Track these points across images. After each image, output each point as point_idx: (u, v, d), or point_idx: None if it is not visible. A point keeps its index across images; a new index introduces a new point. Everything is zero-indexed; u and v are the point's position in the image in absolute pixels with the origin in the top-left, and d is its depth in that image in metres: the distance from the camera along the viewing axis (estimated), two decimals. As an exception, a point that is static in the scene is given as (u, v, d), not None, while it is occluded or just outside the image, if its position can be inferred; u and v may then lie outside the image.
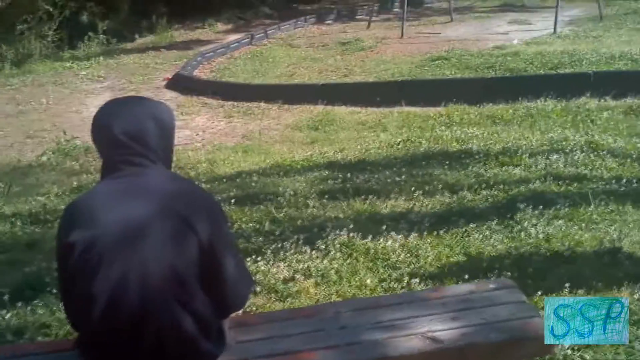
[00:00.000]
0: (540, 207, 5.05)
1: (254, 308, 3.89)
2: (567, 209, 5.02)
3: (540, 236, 4.64)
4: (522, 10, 18.50)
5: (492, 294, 3.16)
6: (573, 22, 15.44)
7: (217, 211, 2.39)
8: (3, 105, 11.22)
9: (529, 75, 9.96)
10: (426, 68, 11.60)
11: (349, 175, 6.25)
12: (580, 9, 17.19)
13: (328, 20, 20.04)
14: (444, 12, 18.33)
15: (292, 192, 5.83)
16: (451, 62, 11.68)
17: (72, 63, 14.60)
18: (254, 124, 9.38)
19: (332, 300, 3.93)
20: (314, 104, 9.76)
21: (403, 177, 6.06)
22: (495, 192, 5.53)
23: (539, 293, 3.89)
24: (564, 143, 6.57)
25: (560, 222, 4.83)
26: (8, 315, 3.91)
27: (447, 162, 6.36)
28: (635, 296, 3.74)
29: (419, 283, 4.06)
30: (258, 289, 4.04)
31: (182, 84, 12.18)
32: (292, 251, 4.60)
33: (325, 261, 4.42)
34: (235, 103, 10.55)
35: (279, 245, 4.72)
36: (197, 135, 9.13)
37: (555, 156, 6.19)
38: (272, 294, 4.05)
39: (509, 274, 4.14)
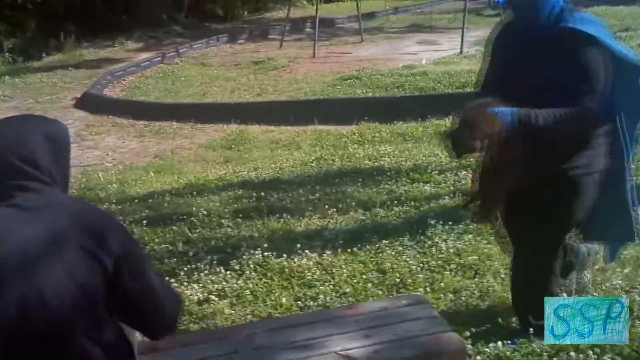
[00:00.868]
0: (450, 222, 5.17)
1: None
2: (475, 224, 5.15)
3: (451, 251, 4.75)
4: (430, 31, 18.98)
5: (405, 310, 3.21)
6: (478, 42, 15.87)
7: (123, 233, 2.31)
8: None
9: (438, 94, 10.20)
10: (338, 87, 11.72)
11: (263, 194, 6.25)
12: (485, 30, 17.65)
13: (240, 39, 20.05)
14: (355, 33, 18.62)
15: (205, 212, 5.79)
16: (362, 81, 11.84)
17: (-24, 82, 14.14)
18: (166, 143, 9.26)
19: (248, 320, 3.91)
20: (227, 123, 9.71)
21: (317, 195, 6.11)
22: (407, 208, 5.63)
23: (451, 307, 3.99)
24: (471, 160, 6.73)
25: (470, 236, 4.96)
26: None
27: (360, 180, 6.44)
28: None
29: (334, 301, 4.10)
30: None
31: (91, 103, 11.92)
32: (206, 272, 4.57)
33: (240, 281, 4.41)
34: (147, 122, 10.39)
35: (193, 266, 4.68)
36: (107, 155, 8.95)
37: (463, 172, 6.35)
38: (187, 317, 4.00)
39: (421, 289, 4.23)
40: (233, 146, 8.54)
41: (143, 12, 21.17)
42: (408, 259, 4.67)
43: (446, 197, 5.79)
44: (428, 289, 4.25)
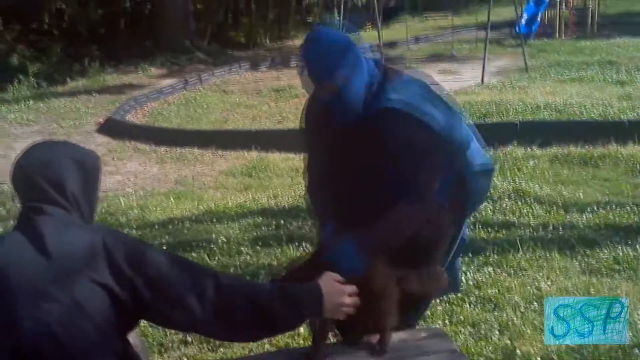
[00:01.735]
0: (470, 254, 5.13)
1: (184, 359, 3.83)
2: (496, 256, 5.12)
3: (471, 283, 4.71)
4: (451, 60, 19.02)
5: (424, 343, 3.18)
6: (500, 72, 15.93)
7: (135, 250, 2.27)
8: None
9: (459, 124, 10.20)
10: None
11: (282, 221, 6.26)
12: (506, 60, 17.77)
13: (262, 67, 20.21)
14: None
15: (225, 239, 5.79)
16: (383, 109, 11.85)
17: (0, 106, 14.28)
18: (187, 169, 9.32)
19: (265, 349, 3.89)
20: (247, 150, 9.77)
21: (336, 224, 6.09)
22: (427, 239, 5.59)
23: (470, 341, 3.95)
24: (492, 191, 6.72)
25: (489, 268, 4.92)
26: None
27: (379, 210, 6.41)
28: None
29: (352, 331, 4.07)
30: (189, 339, 3.98)
31: (114, 128, 12.04)
32: (224, 299, 4.55)
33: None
34: (168, 148, 10.47)
35: (212, 294, 4.67)
36: (128, 180, 9.01)
37: (483, 203, 6.32)
38: (204, 344, 4.00)
39: (439, 322, 4.20)
40: (253, 173, 8.57)
41: (166, 39, 21.41)
42: (427, 291, 4.63)
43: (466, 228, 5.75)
44: (447, 321, 4.22)
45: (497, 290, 4.56)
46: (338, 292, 2.43)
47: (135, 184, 8.78)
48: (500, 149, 8.45)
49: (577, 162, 7.80)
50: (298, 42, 25.96)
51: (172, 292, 2.22)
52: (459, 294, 4.54)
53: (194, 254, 5.53)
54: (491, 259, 5.08)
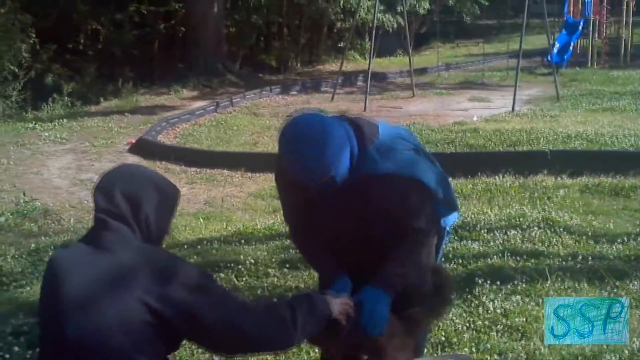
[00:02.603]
0: (498, 282, 5.11)
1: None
2: (524, 285, 5.09)
3: (498, 311, 4.69)
4: (482, 88, 19.02)
5: (450, 369, 3.19)
6: (531, 101, 15.89)
7: (188, 278, 2.32)
8: (-38, 164, 11.10)
9: (488, 151, 10.18)
10: (388, 141, 11.76)
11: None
12: (538, 89, 17.74)
13: (293, 91, 20.35)
14: (406, 87, 18.77)
15: (253, 261, 5.83)
16: (413, 136, 11.86)
17: (35, 124, 14.51)
18: (216, 190, 9.39)
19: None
20: (277, 173, 9.84)
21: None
22: (455, 266, 5.60)
23: (497, 369, 3.94)
24: (521, 219, 6.70)
25: (517, 297, 4.89)
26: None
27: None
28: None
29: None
30: (215, 359, 4.00)
31: (145, 148, 12.17)
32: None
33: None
34: (198, 169, 10.57)
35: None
36: (158, 200, 9.09)
37: (512, 232, 6.30)
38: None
39: (466, 349, 4.18)
40: (282, 196, 8.63)
41: (199, 61, 21.66)
42: (454, 318, 4.62)
43: (494, 256, 5.73)
44: (473, 349, 4.20)
45: (524, 319, 4.53)
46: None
47: (165, 204, 8.85)
48: (530, 178, 8.43)
49: (607, 193, 7.75)
50: (329, 66, 26.20)
51: (211, 331, 2.29)
52: (486, 323, 4.53)
53: (222, 275, 5.56)
54: (519, 288, 5.05)
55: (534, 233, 6.28)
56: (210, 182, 9.89)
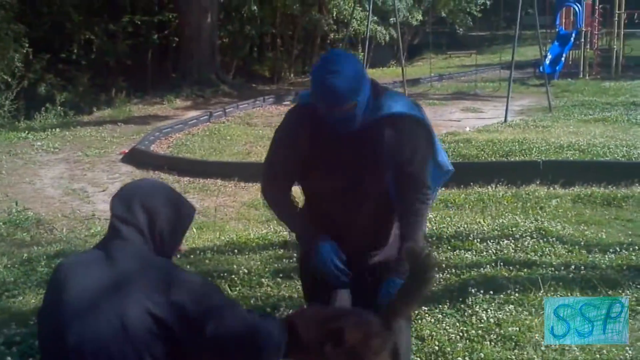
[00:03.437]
0: (491, 291, 5.12)
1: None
2: (517, 294, 5.10)
3: (492, 320, 4.70)
4: (474, 98, 19.09)
5: (444, 378, 3.18)
6: (523, 112, 15.96)
7: (191, 287, 2.35)
8: (-46, 174, 11.06)
9: (481, 161, 10.21)
10: (381, 151, 11.79)
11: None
12: (530, 100, 17.82)
13: (286, 101, 20.38)
14: (399, 98, 18.80)
15: (246, 270, 5.82)
16: (405, 146, 11.88)
17: (27, 134, 14.50)
18: (209, 200, 9.39)
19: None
20: (270, 183, 9.81)
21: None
22: (448, 275, 5.60)
23: (490, 378, 3.94)
24: (514, 229, 6.71)
25: (510, 307, 4.90)
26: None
27: (400, 245, 6.42)
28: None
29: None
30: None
31: (138, 158, 12.17)
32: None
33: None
34: (191, 179, 10.56)
35: (232, 324, 4.68)
36: (151, 210, 9.08)
37: (505, 241, 6.31)
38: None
39: (460, 359, 4.18)
40: (275, 206, 8.62)
41: (192, 72, 21.70)
42: (447, 327, 4.63)
43: (487, 265, 5.74)
44: (467, 358, 4.20)
45: (517, 329, 4.55)
46: None
47: (158, 214, 8.83)
48: (522, 188, 8.45)
49: (600, 203, 7.77)
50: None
51: (220, 344, 2.32)
52: (480, 332, 4.54)
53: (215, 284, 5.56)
54: (512, 297, 5.06)
55: (526, 243, 6.29)
56: (204, 191, 9.88)
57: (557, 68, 22.14)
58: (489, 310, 4.86)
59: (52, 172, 11.26)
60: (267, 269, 5.91)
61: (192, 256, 6.45)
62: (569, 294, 5.10)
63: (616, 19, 22.79)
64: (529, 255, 6.01)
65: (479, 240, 6.40)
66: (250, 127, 15.77)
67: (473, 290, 5.13)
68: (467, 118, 15.64)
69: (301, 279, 3.56)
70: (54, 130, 14.95)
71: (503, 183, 8.66)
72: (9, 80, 16.26)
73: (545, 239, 6.39)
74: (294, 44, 27.25)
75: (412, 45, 33.23)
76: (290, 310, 4.81)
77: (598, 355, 4.10)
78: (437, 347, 4.35)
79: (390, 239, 3.22)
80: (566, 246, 6.23)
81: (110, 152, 13.04)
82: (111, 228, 2.38)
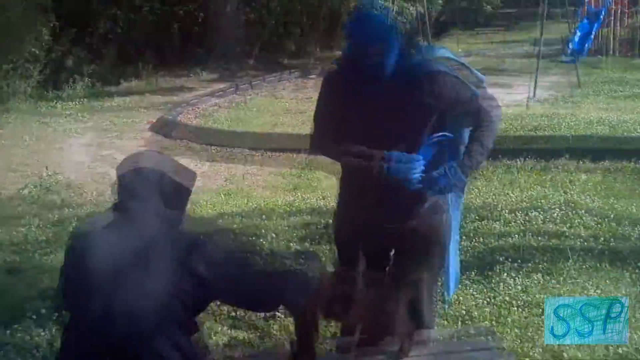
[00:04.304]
0: (519, 260, 5.13)
1: (234, 344, 3.90)
2: (545, 264, 5.10)
3: (519, 287, 4.71)
4: (502, 74, 18.87)
5: (472, 340, 3.20)
6: (552, 88, 15.76)
7: (214, 246, 2.43)
8: (-15, 141, 11.18)
9: (509, 135, 10.11)
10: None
11: (331, 221, 6.28)
12: (559, 77, 17.57)
13: (312, 75, 20.30)
14: (426, 73, 18.66)
15: (274, 235, 5.86)
16: (433, 120, 11.82)
17: (56, 103, 14.57)
18: (237, 168, 9.40)
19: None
20: (296, 153, 9.80)
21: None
22: (475, 245, 5.60)
23: (517, 343, 3.95)
24: (542, 201, 6.69)
25: (538, 275, 4.91)
26: (-14, 340, 3.91)
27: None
28: (610, 349, 3.80)
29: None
30: (238, 323, 4.06)
31: (166, 127, 12.19)
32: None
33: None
34: (218, 149, 10.58)
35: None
36: (179, 178, 9.11)
37: (534, 213, 6.29)
38: (253, 331, 4.07)
39: (486, 322, 4.20)
40: (302, 175, 8.62)
41: (218, 45, 21.66)
42: (474, 293, 4.65)
43: (515, 235, 5.74)
44: (494, 322, 4.22)
45: (545, 296, 4.54)
46: None
47: (186, 181, 8.86)
48: (551, 162, 8.38)
49: (629, 177, 7.71)
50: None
51: (240, 297, 2.52)
52: (507, 298, 4.55)
53: (243, 248, 5.60)
54: (540, 267, 5.07)
55: (555, 214, 6.27)
56: (231, 160, 9.90)
57: (586, 45, 21.83)
58: (516, 278, 4.87)
59: (81, 140, 11.34)
60: (295, 235, 5.94)
61: (220, 221, 6.50)
62: (598, 265, 5.09)
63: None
64: (557, 227, 5.99)
65: (507, 211, 6.39)
66: (276, 99, 15.73)
67: (501, 259, 5.15)
68: (496, 93, 15.34)
69: (335, 239, 3.63)
70: (82, 100, 15.02)
71: (532, 157, 8.59)
72: (37, 52, 16.33)
73: (574, 211, 6.35)
74: (320, 19, 27.08)
75: (439, 22, 32.87)
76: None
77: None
78: (463, 312, 4.37)
79: (424, 206, 3.20)
80: (595, 218, 6.19)
81: (138, 121, 13.07)
82: (125, 200, 2.43)
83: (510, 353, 3.12)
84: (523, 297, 4.56)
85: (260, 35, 24.43)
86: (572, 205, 6.53)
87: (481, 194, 7.05)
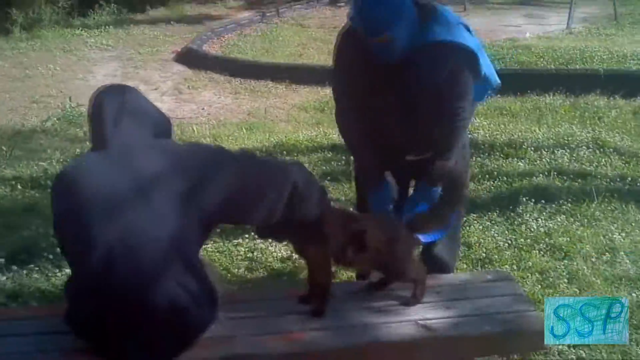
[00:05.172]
0: (543, 201, 5.03)
1: (249, 285, 3.89)
2: (569, 205, 5.00)
3: (542, 230, 4.63)
4: (537, 4, 18.33)
5: (489, 285, 3.14)
6: (587, 19, 15.30)
7: (229, 168, 2.38)
8: (10, 69, 11.15)
9: (539, 69, 9.87)
10: (436, 56, 11.50)
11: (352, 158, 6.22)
12: (595, 7, 17.04)
13: (341, 2, 19.90)
14: (458, 1, 18.17)
15: (294, 172, 5.80)
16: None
17: (81, 30, 14.47)
18: (260, 101, 9.32)
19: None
20: (321, 86, 9.66)
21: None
22: (499, 184, 5.51)
23: (537, 288, 3.88)
24: (570, 139, 6.53)
25: (562, 217, 4.82)
26: (3, 279, 3.92)
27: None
28: (633, 295, 3.72)
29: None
30: (254, 265, 4.05)
31: (190, 58, 12.10)
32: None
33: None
34: (243, 80, 10.48)
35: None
36: (202, 109, 9.08)
37: (560, 151, 6.15)
38: (268, 272, 4.05)
39: (506, 266, 4.13)
40: (325, 109, 8.49)
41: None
42: (496, 235, 4.58)
43: (540, 175, 5.61)
44: (514, 266, 4.16)
45: (568, 239, 4.47)
46: None
47: (209, 113, 8.83)
48: (581, 97, 8.17)
49: (662, 115, 7.50)
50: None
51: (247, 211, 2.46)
52: (529, 241, 4.47)
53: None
54: (564, 207, 4.97)
55: (582, 153, 6.12)
56: (254, 93, 9.81)
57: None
58: (539, 219, 4.78)
59: (105, 70, 11.30)
60: (315, 171, 5.88)
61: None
62: (623, 207, 4.99)
63: None
64: (583, 166, 5.85)
65: (532, 149, 6.25)
66: (303, 28, 15.47)
67: (524, 199, 5.05)
68: (528, 24, 15.07)
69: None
70: (107, 27, 14.89)
71: (561, 92, 8.37)
72: (62, -23, 16.17)
73: (601, 150, 6.21)
74: (351, -56, 26.45)
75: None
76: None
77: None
78: (484, 255, 4.31)
79: None
80: (623, 158, 6.04)
81: (162, 50, 12.97)
82: (113, 127, 2.36)
83: (528, 299, 3.05)
84: (546, 240, 4.48)
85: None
86: (600, 143, 6.38)
87: (507, 130, 6.89)
